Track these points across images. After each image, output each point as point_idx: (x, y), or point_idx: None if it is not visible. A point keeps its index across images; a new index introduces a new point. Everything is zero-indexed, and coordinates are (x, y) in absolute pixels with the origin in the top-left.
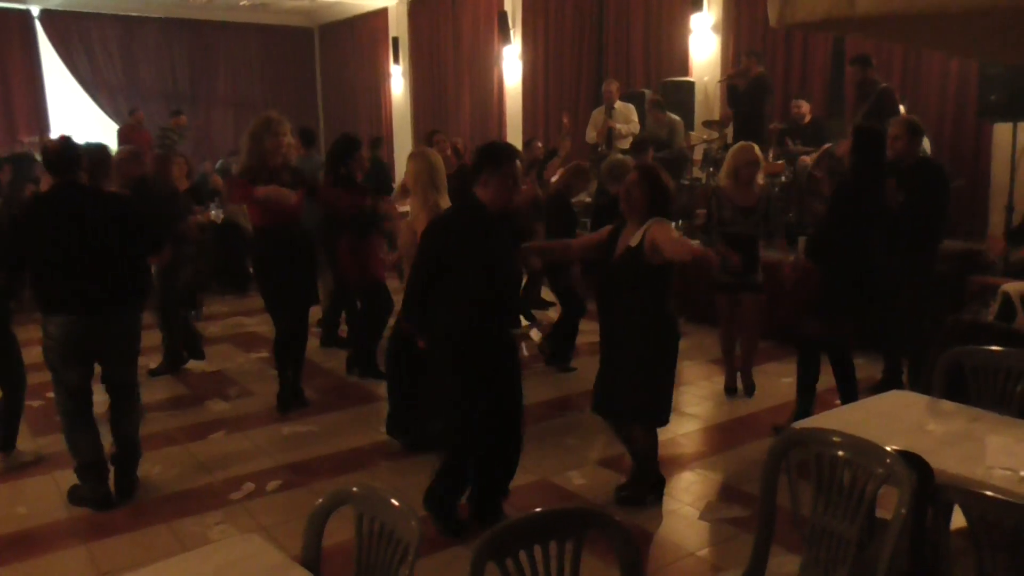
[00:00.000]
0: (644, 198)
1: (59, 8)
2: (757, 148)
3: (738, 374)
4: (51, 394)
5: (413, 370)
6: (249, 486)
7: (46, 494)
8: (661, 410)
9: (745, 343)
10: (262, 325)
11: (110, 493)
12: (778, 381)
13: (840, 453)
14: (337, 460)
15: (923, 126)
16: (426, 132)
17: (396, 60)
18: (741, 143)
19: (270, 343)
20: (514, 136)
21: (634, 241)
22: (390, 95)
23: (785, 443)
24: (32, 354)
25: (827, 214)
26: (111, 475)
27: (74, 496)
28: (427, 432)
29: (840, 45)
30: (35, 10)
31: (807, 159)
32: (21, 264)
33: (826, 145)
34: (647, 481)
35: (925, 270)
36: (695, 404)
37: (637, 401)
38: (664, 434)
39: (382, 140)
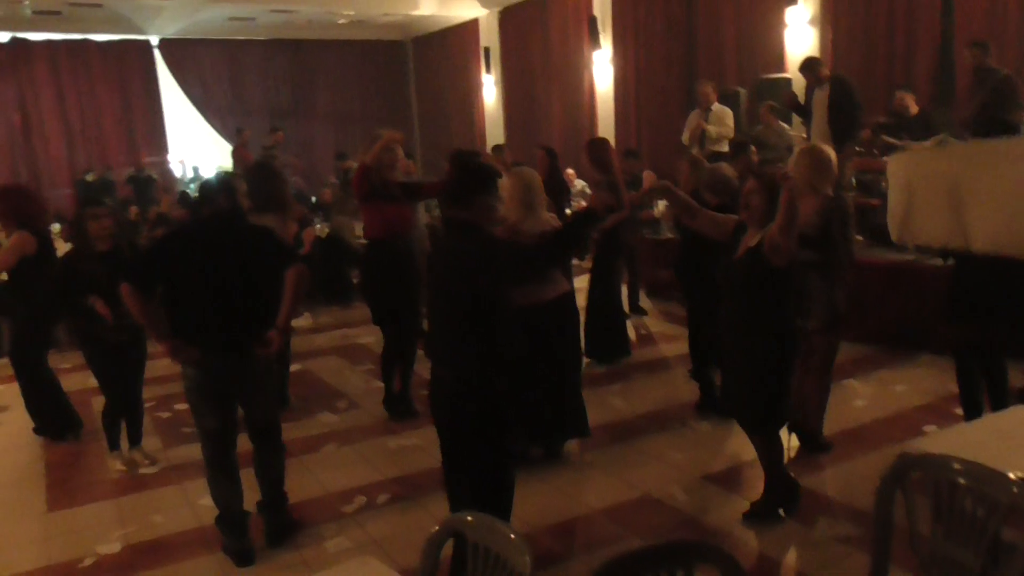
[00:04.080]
0: (763, 205)
1: (175, 37)
2: (826, 150)
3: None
4: (180, 405)
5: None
6: (361, 499)
7: (177, 503)
8: (768, 417)
9: (808, 391)
10: (368, 336)
11: (249, 549)
12: (890, 390)
13: (961, 480)
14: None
15: None
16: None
17: (488, 70)
18: (805, 146)
19: (376, 355)
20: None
21: (754, 241)
22: (483, 104)
23: (901, 469)
24: (157, 366)
25: None
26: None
27: (222, 543)
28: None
29: (949, 29)
30: (154, 40)
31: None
32: (152, 288)
33: (939, 136)
34: (776, 491)
35: None
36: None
37: (747, 406)
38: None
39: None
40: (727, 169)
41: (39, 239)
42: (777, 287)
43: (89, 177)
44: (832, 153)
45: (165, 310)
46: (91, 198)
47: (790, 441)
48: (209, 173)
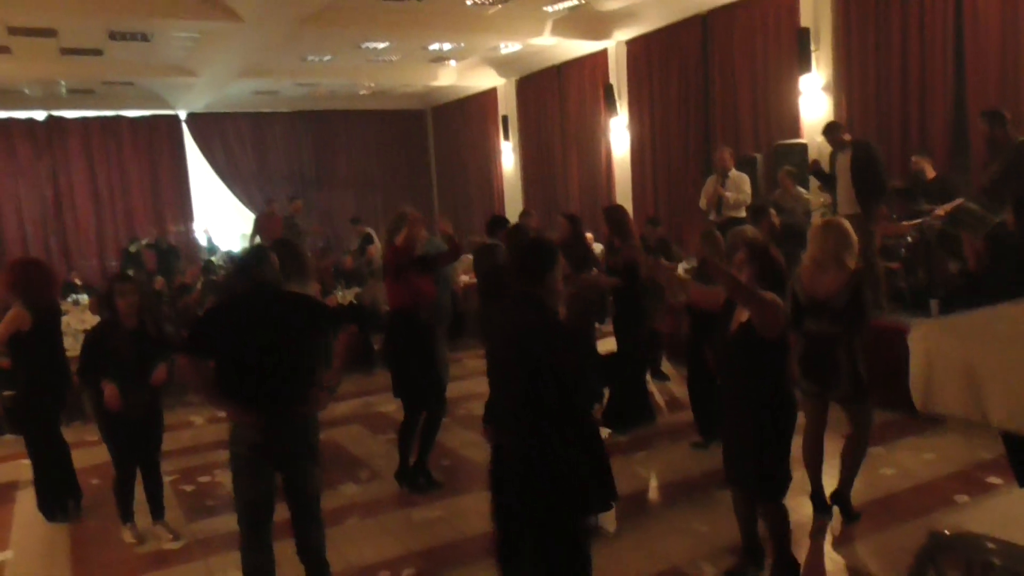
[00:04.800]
0: (754, 276)
1: (202, 111)
2: (846, 224)
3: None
4: (203, 478)
5: None
6: (385, 574)
7: None
8: (775, 483)
9: (842, 458)
10: (389, 404)
11: None
12: (919, 458)
13: (995, 561)
14: (466, 548)
15: None
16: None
17: (506, 137)
18: (826, 220)
19: (398, 424)
20: (623, 204)
21: (744, 316)
22: (501, 170)
23: (933, 548)
24: (184, 437)
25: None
26: None
27: None
28: None
29: (962, 95)
30: (182, 114)
31: (938, 213)
32: (208, 357)
33: (957, 201)
34: (782, 566)
35: None
36: (831, 485)
37: (754, 473)
38: (796, 516)
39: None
40: (751, 231)
41: (36, 314)
42: (772, 359)
43: (132, 248)
44: (848, 224)
45: (216, 378)
46: (120, 274)
47: (834, 512)
48: (224, 241)
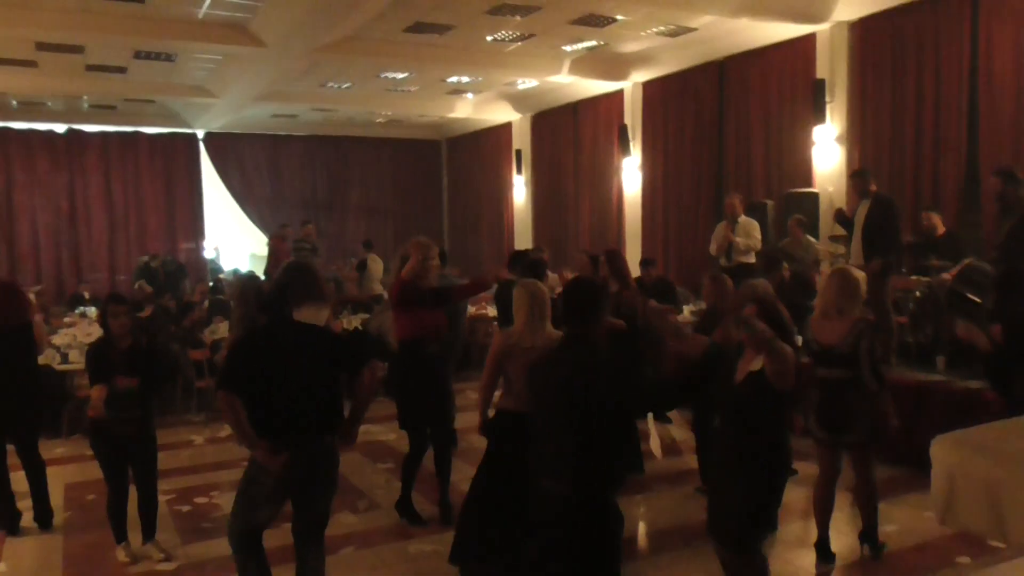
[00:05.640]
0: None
1: (220, 131)
2: (856, 273)
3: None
4: (200, 499)
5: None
6: None
7: None
8: (754, 534)
9: (857, 501)
10: (390, 433)
11: None
12: (921, 515)
13: None
14: None
15: None
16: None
17: (519, 171)
18: (834, 269)
19: (398, 453)
20: (633, 244)
21: (756, 366)
22: (512, 203)
23: None
24: (183, 456)
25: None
26: None
27: None
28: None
29: (975, 149)
30: (200, 133)
31: (945, 275)
32: (243, 391)
33: (966, 260)
34: None
35: None
36: (833, 540)
37: (732, 525)
38: (793, 569)
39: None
40: (762, 286)
41: None
42: (777, 410)
43: (154, 263)
44: (860, 275)
45: (246, 409)
46: (113, 295)
47: (863, 551)
48: (230, 260)
